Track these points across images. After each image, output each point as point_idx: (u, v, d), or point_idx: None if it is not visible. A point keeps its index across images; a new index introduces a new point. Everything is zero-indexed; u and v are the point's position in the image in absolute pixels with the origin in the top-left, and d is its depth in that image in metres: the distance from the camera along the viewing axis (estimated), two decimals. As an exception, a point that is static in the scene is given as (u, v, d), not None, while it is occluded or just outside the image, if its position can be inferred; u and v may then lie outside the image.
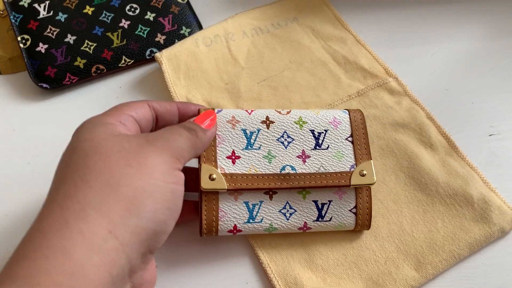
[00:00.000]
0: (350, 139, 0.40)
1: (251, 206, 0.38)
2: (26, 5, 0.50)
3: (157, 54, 0.48)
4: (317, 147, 0.39)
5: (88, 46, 0.49)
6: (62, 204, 0.27)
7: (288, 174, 0.38)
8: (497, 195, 0.42)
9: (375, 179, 0.38)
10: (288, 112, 0.40)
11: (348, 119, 0.40)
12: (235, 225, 0.38)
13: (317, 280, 0.39)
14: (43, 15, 0.50)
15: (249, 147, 0.38)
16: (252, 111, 0.39)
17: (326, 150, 0.39)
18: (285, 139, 0.39)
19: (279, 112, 0.40)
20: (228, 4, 0.55)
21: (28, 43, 0.49)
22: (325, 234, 0.41)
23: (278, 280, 0.39)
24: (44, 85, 0.47)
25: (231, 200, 0.38)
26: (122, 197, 0.28)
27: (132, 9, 0.51)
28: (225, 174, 0.37)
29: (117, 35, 0.50)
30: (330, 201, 0.39)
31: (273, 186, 0.38)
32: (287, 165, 0.38)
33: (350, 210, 0.39)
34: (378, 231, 0.41)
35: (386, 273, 0.39)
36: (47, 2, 0.50)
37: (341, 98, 0.47)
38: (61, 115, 0.47)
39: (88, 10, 0.51)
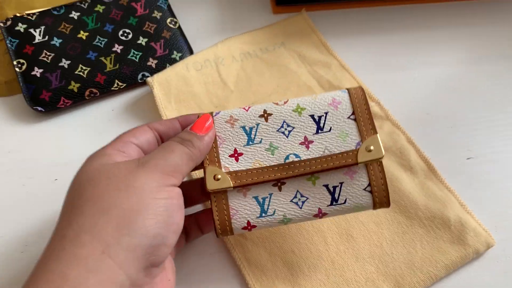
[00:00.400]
0: (352, 117, 0.39)
1: (261, 200, 0.38)
2: (22, 30, 0.52)
3: (149, 79, 0.50)
4: (319, 131, 0.39)
5: (82, 70, 0.51)
6: (61, 233, 0.31)
7: (292, 162, 0.38)
8: (473, 218, 0.44)
9: (383, 152, 0.37)
10: (285, 102, 0.40)
11: (348, 98, 0.40)
12: (248, 221, 0.38)
13: (301, 300, 0.41)
14: (38, 40, 0.52)
15: (250, 143, 0.39)
16: (249, 107, 0.40)
17: (329, 132, 0.38)
18: (285, 129, 0.39)
19: (276, 104, 0.40)
20: (218, 29, 0.57)
21: (24, 67, 0.50)
22: (308, 256, 0.42)
23: (263, 300, 0.41)
24: (39, 108, 0.49)
25: (240, 197, 0.38)
26: (113, 219, 0.30)
27: (125, 34, 0.53)
28: (229, 173, 0.38)
29: (110, 59, 0.51)
30: (341, 183, 0.38)
31: (280, 176, 0.38)
32: (291, 153, 0.38)
33: (364, 189, 0.38)
34: (359, 252, 0.43)
35: (366, 292, 0.41)
36: (43, 27, 0.52)
37: (325, 122, 0.49)
38: (55, 137, 0.49)
39: (82, 35, 0.53)
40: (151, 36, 0.53)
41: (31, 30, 0.52)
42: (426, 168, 0.47)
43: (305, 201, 0.38)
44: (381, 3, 0.60)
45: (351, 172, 0.38)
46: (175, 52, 0.53)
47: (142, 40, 0.53)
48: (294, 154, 0.38)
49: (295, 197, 0.38)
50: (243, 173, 0.38)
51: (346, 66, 0.53)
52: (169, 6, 0.56)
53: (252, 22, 0.57)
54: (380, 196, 0.38)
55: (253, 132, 0.39)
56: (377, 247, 0.43)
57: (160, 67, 0.52)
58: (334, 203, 0.38)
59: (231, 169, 0.38)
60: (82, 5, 0.54)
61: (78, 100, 0.50)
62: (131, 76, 0.51)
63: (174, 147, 0.35)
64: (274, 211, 0.38)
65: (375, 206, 0.38)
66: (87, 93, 0.50)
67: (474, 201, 0.46)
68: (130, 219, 0.31)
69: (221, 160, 0.38)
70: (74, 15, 0.53)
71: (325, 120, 0.39)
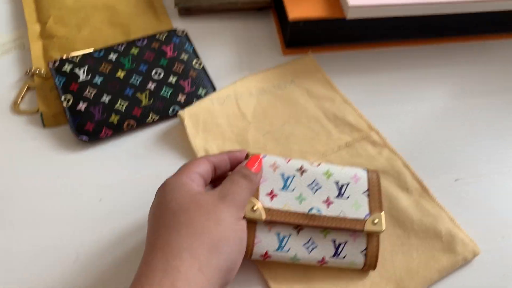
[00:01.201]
0: (366, 193, 0.48)
1: (281, 237, 0.45)
2: (68, 70, 0.60)
3: (180, 112, 0.58)
4: (340, 196, 0.47)
5: (121, 104, 0.58)
6: (163, 248, 0.37)
7: (314, 215, 0.45)
8: (461, 230, 0.51)
9: (384, 227, 0.46)
10: (318, 165, 0.48)
11: (366, 177, 0.48)
12: (266, 251, 0.45)
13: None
14: (82, 78, 0.59)
15: (285, 189, 0.46)
16: (289, 160, 0.48)
17: (346, 200, 0.47)
18: (314, 186, 0.47)
19: (311, 164, 0.48)
20: (237, 69, 0.65)
21: (70, 102, 0.58)
22: (326, 269, 0.49)
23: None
24: (84, 138, 0.56)
25: (266, 230, 0.45)
26: (205, 243, 0.37)
27: (157, 74, 0.61)
28: (264, 208, 0.45)
29: (145, 95, 0.59)
30: (346, 242, 0.46)
31: (301, 223, 0.45)
32: (314, 207, 0.46)
33: (361, 252, 0.46)
34: (365, 260, 0.50)
35: (371, 295, 0.48)
36: (86, 67, 0.60)
37: (332, 148, 0.57)
38: (98, 163, 0.56)
39: (120, 74, 0.60)
40: (180, 75, 0.61)
41: (76, 70, 0.60)
42: (420, 188, 0.54)
43: (314, 248, 0.46)
44: (378, 46, 0.69)
45: (355, 236, 0.46)
46: (200, 89, 0.61)
47: (172, 79, 0.61)
48: (317, 209, 0.46)
49: (308, 242, 0.46)
50: (274, 211, 0.45)
51: (348, 101, 0.61)
52: (194, 50, 0.65)
53: (266, 62, 0.65)
54: (370, 261, 0.47)
55: (289, 181, 0.47)
56: (380, 256, 0.50)
57: (188, 102, 0.60)
58: (336, 256, 0.46)
59: (265, 205, 0.45)
60: (119, 48, 0.62)
61: (117, 130, 0.57)
62: (164, 109, 0.59)
63: (242, 182, 0.43)
64: (289, 249, 0.45)
65: (364, 267, 0.47)
66: (125, 124, 0.57)
67: (462, 216, 0.52)
68: (218, 244, 0.38)
69: (259, 195, 0.46)
70: (113, 56, 0.61)
71: (346, 189, 0.47)
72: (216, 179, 0.47)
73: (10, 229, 0.51)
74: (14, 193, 0.53)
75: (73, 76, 0.59)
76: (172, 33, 0.65)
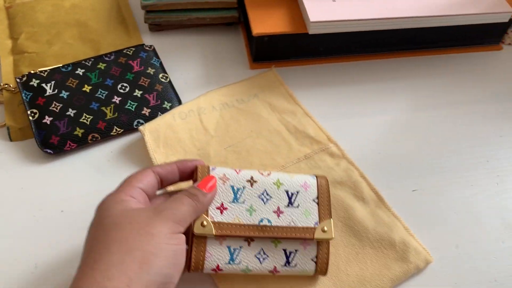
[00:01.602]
0: (316, 200, 0.48)
1: (232, 250, 0.45)
2: (35, 84, 0.61)
3: (141, 128, 0.59)
4: (290, 205, 0.47)
5: (86, 118, 0.59)
6: (93, 266, 0.36)
7: (265, 225, 0.46)
8: (414, 239, 0.52)
9: (333, 235, 0.47)
10: (268, 174, 0.48)
11: (316, 184, 0.49)
12: (218, 265, 0.45)
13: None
14: (49, 93, 0.61)
15: (235, 201, 0.46)
16: (240, 171, 0.48)
17: (296, 208, 0.47)
18: (265, 196, 0.47)
19: (262, 174, 0.48)
20: (204, 82, 0.67)
21: (36, 116, 0.59)
22: (279, 278, 0.50)
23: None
24: (49, 151, 0.57)
25: (216, 244, 0.45)
26: (136, 259, 0.37)
27: (123, 88, 0.62)
28: (214, 222, 0.45)
29: (110, 109, 0.60)
30: (296, 250, 0.47)
31: (252, 235, 0.45)
32: (265, 218, 0.46)
33: (311, 259, 0.47)
34: (319, 269, 0.51)
35: (324, 304, 0.48)
36: (53, 82, 0.61)
37: (292, 160, 0.58)
38: (62, 175, 0.57)
39: (87, 88, 0.62)
40: (146, 89, 0.63)
41: (43, 85, 0.61)
42: (376, 198, 0.55)
43: (266, 258, 0.46)
44: (340, 60, 0.71)
45: (305, 244, 0.47)
46: (166, 102, 0.62)
47: (137, 93, 0.62)
48: (267, 219, 0.46)
49: (259, 253, 0.46)
50: (224, 225, 0.45)
51: (309, 114, 0.62)
52: (161, 64, 0.66)
53: (233, 76, 0.67)
54: (321, 267, 0.47)
55: (239, 193, 0.47)
56: (334, 266, 0.50)
57: (153, 115, 0.61)
58: (287, 264, 0.46)
59: (215, 219, 0.45)
60: (87, 63, 0.64)
61: (82, 143, 0.58)
62: (128, 123, 0.60)
63: (184, 200, 0.42)
64: (240, 261, 0.45)
65: (316, 272, 0.47)
66: (89, 137, 0.59)
67: (417, 226, 0.53)
68: (149, 260, 0.37)
69: (209, 210, 0.45)
70: (80, 71, 0.63)
71: (296, 197, 0.47)
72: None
73: (-29, 240, 0.51)
74: (-23, 205, 0.54)
75: (40, 90, 0.61)
76: (139, 47, 0.67)
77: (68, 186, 0.56)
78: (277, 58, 0.69)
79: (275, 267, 0.46)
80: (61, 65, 0.64)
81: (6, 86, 0.63)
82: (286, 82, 0.66)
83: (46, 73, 0.62)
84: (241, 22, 0.74)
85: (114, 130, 0.60)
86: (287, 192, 0.48)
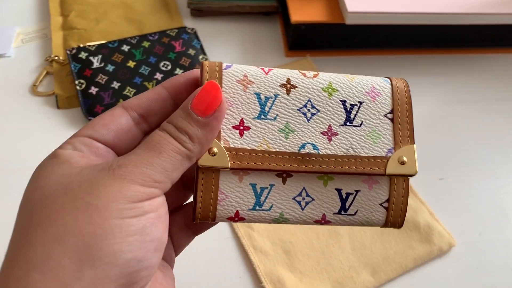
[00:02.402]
0: (390, 115, 0.32)
1: (258, 190, 0.31)
2: (84, 57, 0.65)
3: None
4: (348, 123, 0.31)
5: (129, 91, 0.63)
6: (6, 271, 0.23)
7: (308, 154, 0.31)
8: (439, 223, 0.54)
9: (417, 169, 0.31)
10: (315, 75, 0.32)
11: (390, 90, 0.33)
12: (237, 211, 0.31)
13: (295, 280, 0.50)
14: (96, 65, 0.64)
15: (262, 117, 0.31)
16: (269, 70, 0.32)
17: (358, 128, 0.32)
18: (309, 110, 0.31)
19: (304, 75, 0.32)
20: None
21: (83, 86, 0.63)
22: (303, 246, 0.52)
23: (265, 278, 0.50)
24: (93, 119, 0.61)
25: (234, 181, 0.31)
26: (70, 249, 0.23)
27: (165, 66, 0.66)
28: (229, 149, 0.30)
29: (153, 84, 0.64)
30: (357, 191, 0.32)
31: (289, 168, 0.30)
32: (308, 142, 0.31)
33: (381, 204, 0.32)
34: (345, 246, 0.52)
35: (348, 277, 0.50)
36: (100, 56, 0.65)
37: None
38: (104, 143, 0.60)
39: (131, 64, 0.65)
40: (186, 68, 0.66)
41: (91, 58, 0.65)
42: (403, 183, 0.57)
43: (309, 202, 0.32)
44: (375, 52, 0.73)
45: (371, 181, 0.32)
46: (204, 82, 0.65)
47: (178, 71, 0.65)
48: (312, 145, 0.31)
49: (300, 195, 0.31)
50: (245, 153, 0.30)
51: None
52: (201, 46, 0.69)
53: (269, 62, 0.70)
54: (395, 216, 0.32)
55: (268, 104, 0.31)
56: (359, 243, 0.53)
57: (191, 93, 0.64)
58: (342, 212, 0.32)
59: (231, 145, 0.30)
60: (132, 41, 0.67)
61: (124, 114, 0.62)
62: (168, 98, 0.63)
63: (163, 145, 0.26)
64: (271, 206, 0.31)
65: (386, 224, 0.32)
66: (132, 109, 0.62)
67: (442, 212, 0.55)
68: (92, 248, 0.23)
69: (221, 130, 0.30)
70: (125, 48, 0.66)
71: (357, 111, 0.32)
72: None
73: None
74: (25, 164, 0.57)
75: (88, 63, 0.64)
76: (182, 30, 0.70)
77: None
78: (313, 47, 0.72)
79: (324, 215, 0.32)
80: (107, 41, 0.67)
81: (56, 58, 0.67)
82: (319, 71, 0.68)
83: (94, 47, 0.66)
84: (279, 12, 0.77)
85: (155, 104, 0.63)
86: (343, 103, 0.32)
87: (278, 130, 0.31)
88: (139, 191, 0.25)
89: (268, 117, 0.31)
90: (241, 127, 0.30)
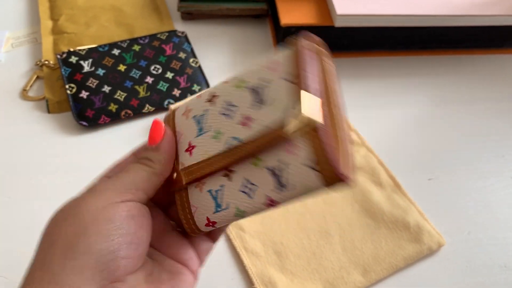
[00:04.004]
0: (287, 77, 0.30)
1: (214, 193, 0.33)
2: (74, 61, 0.65)
3: (171, 106, 0.62)
4: (259, 105, 0.31)
5: (120, 95, 0.63)
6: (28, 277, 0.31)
7: (235, 146, 0.32)
8: (428, 223, 0.54)
9: (321, 118, 0.28)
10: (234, 79, 0.34)
11: (288, 55, 0.32)
12: (207, 217, 0.34)
13: (287, 281, 0.51)
14: (86, 69, 0.64)
15: (201, 133, 0.34)
16: (201, 93, 0.36)
17: (269, 106, 0.31)
18: (229, 109, 0.33)
19: (226, 82, 0.34)
20: (231, 69, 0.70)
21: (74, 90, 0.63)
22: (294, 247, 0.52)
23: (257, 279, 0.50)
24: (84, 123, 0.61)
25: (197, 193, 0.34)
26: (58, 248, 0.30)
27: (156, 69, 0.66)
28: (184, 168, 0.34)
29: (143, 88, 0.64)
30: (286, 164, 0.30)
31: (225, 163, 0.32)
32: (232, 137, 0.32)
33: (308, 166, 0.29)
34: (335, 246, 0.53)
35: (339, 277, 0.51)
36: (90, 60, 0.65)
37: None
38: (95, 147, 0.60)
39: (122, 67, 0.65)
40: (177, 71, 0.66)
41: (81, 62, 0.65)
42: (393, 184, 0.58)
43: (255, 190, 0.31)
44: (365, 55, 0.73)
45: (291, 148, 0.29)
46: (195, 85, 0.66)
47: (169, 75, 0.66)
48: (234, 137, 0.32)
49: (245, 185, 0.32)
50: (194, 167, 0.34)
51: (332, 102, 0.65)
52: (192, 50, 0.69)
53: (258, 64, 0.70)
54: (328, 173, 0.28)
55: (203, 121, 0.34)
56: (350, 243, 0.53)
57: (183, 96, 0.64)
58: (280, 187, 0.30)
59: (186, 164, 0.34)
60: (122, 45, 0.67)
61: (115, 118, 0.62)
62: (159, 102, 0.63)
63: (130, 167, 0.34)
64: (228, 204, 0.33)
65: (326, 185, 0.29)
66: (123, 113, 0.62)
67: (431, 212, 0.56)
68: (73, 243, 0.30)
69: (179, 157, 0.35)
70: (116, 51, 0.67)
71: (267, 91, 0.31)
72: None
73: (11, 202, 0.55)
74: (16, 168, 0.57)
75: (78, 67, 0.64)
76: (172, 33, 0.70)
77: (101, 157, 0.59)
78: (302, 50, 0.72)
79: (268, 198, 0.31)
80: (98, 45, 0.67)
81: (46, 62, 0.67)
82: (310, 72, 0.69)
83: (84, 51, 0.66)
84: (269, 15, 0.77)
85: (146, 108, 0.63)
86: (253, 89, 0.32)
87: (211, 137, 0.34)
88: (112, 196, 0.32)
89: (204, 131, 0.34)
90: (190, 148, 0.34)
